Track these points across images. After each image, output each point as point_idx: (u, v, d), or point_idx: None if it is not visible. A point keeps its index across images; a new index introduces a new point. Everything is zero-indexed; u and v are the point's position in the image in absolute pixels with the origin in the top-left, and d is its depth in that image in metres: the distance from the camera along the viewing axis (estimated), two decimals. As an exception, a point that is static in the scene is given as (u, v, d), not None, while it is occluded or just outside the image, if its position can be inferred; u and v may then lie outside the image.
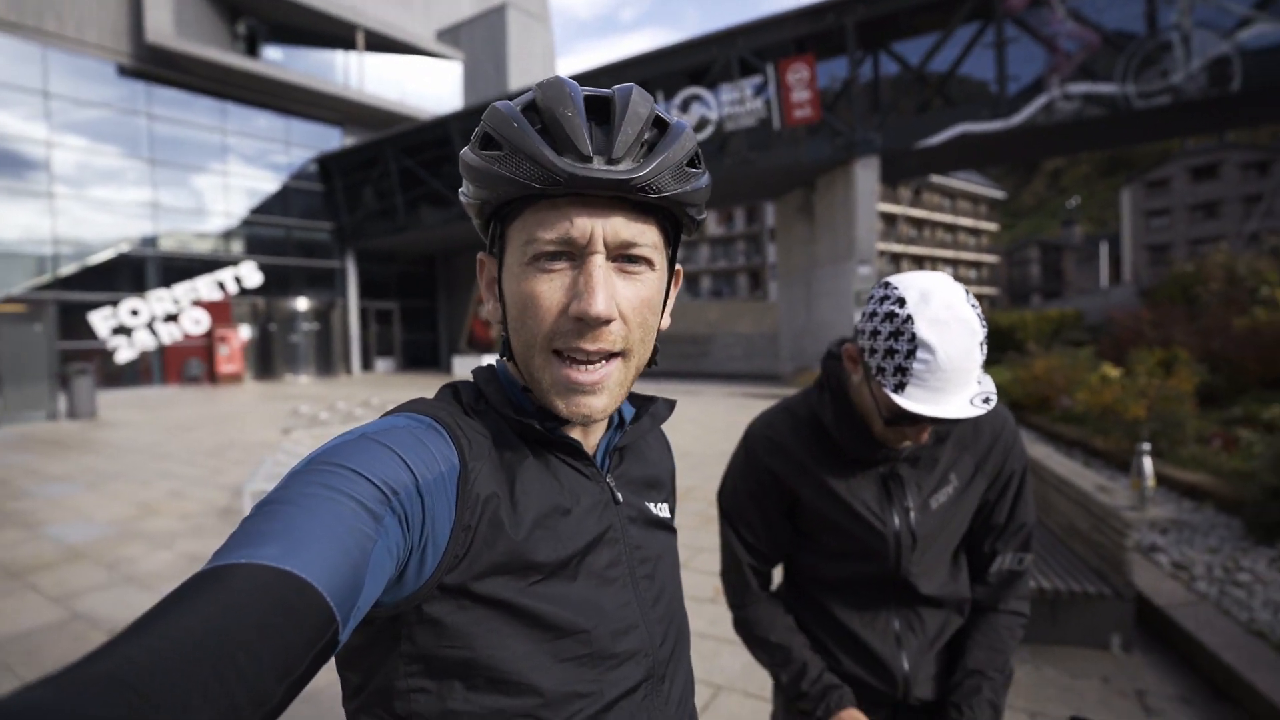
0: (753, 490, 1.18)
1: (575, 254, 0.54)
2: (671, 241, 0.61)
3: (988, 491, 1.13)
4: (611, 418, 0.67)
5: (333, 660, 0.55)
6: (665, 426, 0.76)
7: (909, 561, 1.10)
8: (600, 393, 0.56)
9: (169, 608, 0.35)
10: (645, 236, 0.56)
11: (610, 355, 0.56)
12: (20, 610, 3.49)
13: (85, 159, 17.49)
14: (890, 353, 0.93)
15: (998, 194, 59.16)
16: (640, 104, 0.54)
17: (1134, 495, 4.71)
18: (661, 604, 0.64)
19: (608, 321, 0.54)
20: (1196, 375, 7.08)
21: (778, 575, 1.28)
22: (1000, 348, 12.75)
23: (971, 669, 1.10)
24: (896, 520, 1.09)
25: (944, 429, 1.10)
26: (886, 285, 0.97)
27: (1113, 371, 7.15)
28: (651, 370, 0.62)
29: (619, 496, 0.63)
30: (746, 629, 1.19)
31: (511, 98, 0.60)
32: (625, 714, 0.57)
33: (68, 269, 16.96)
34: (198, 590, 0.36)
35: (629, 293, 0.56)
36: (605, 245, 0.54)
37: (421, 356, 24.65)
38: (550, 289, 0.54)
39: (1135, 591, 3.00)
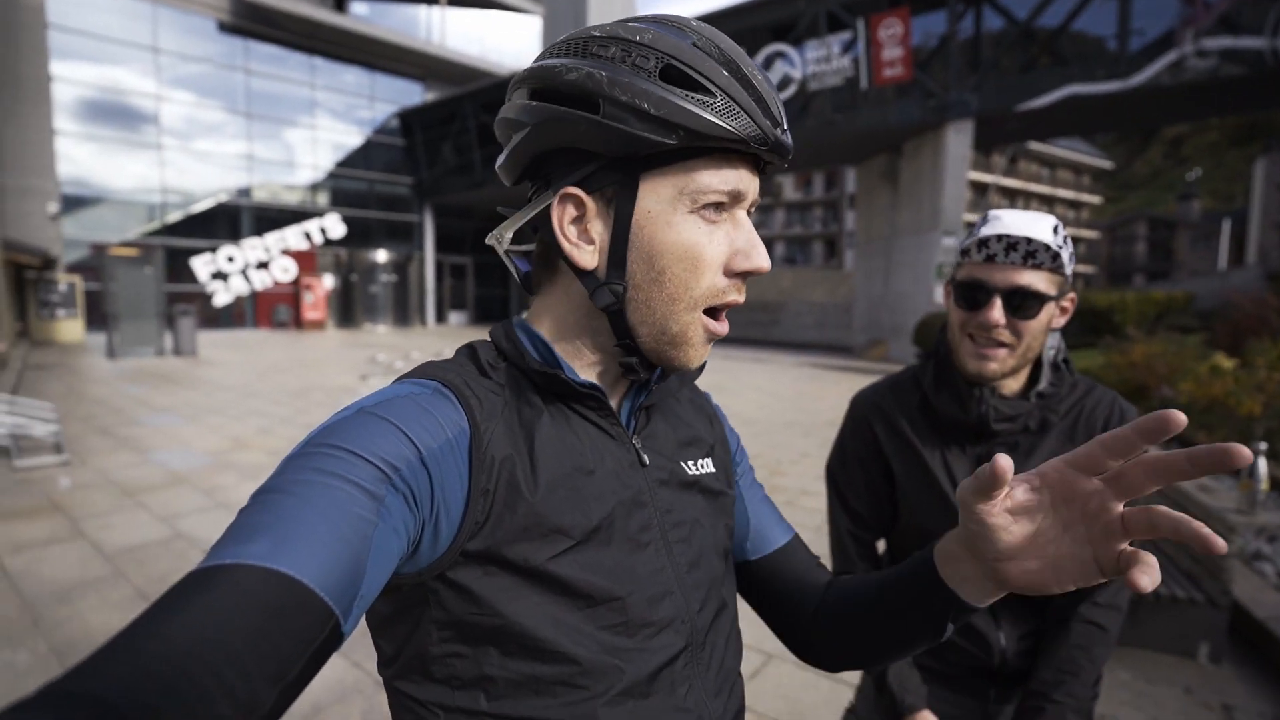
0: (858, 453, 1.18)
1: (728, 207, 0.55)
2: None
3: None
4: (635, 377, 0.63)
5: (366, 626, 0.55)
6: (729, 393, 0.71)
7: None
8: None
9: (156, 617, 0.35)
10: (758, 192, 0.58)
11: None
12: (132, 526, 3.86)
13: (190, 112, 18.59)
14: (968, 237, 1.03)
15: (1105, 163, 54.54)
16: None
17: (1242, 497, 4.33)
18: (700, 569, 0.61)
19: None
20: (1325, 371, 6.38)
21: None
22: (1094, 331, 11.86)
23: (1033, 689, 1.01)
24: None
25: (1048, 404, 1.05)
26: None
27: (1226, 362, 6.53)
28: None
29: (645, 458, 0.60)
30: None
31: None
32: (666, 683, 0.55)
33: (174, 216, 18.25)
34: (183, 599, 0.36)
35: None
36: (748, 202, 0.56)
37: (492, 311, 25.31)
38: (713, 241, 0.54)
39: (1232, 600, 2.77)
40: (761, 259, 0.55)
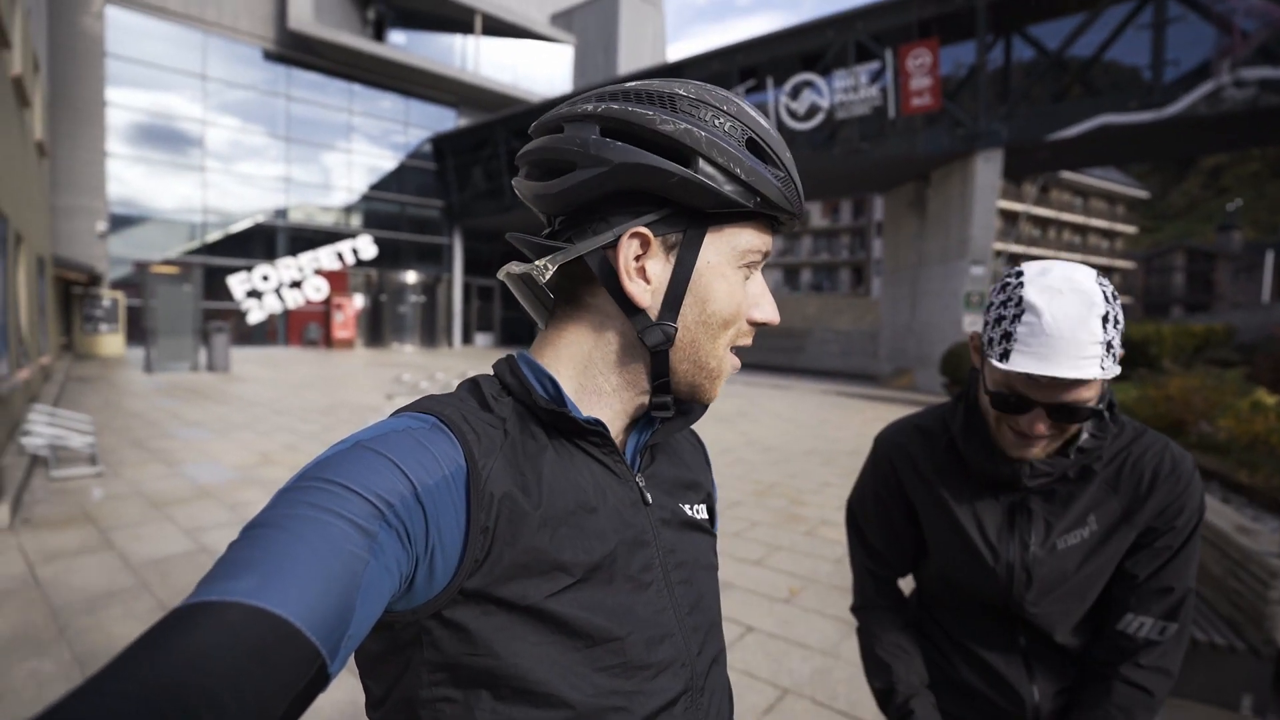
0: (878, 493, 1.14)
1: (757, 263, 0.61)
2: None
3: (1138, 540, 0.97)
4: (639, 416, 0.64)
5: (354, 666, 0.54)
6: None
7: (1026, 601, 0.98)
8: None
9: (134, 657, 0.34)
10: None
11: None
12: (159, 538, 3.93)
13: (234, 136, 19.33)
14: (999, 320, 0.89)
15: (1140, 193, 53.59)
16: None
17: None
18: (699, 612, 0.60)
19: None
20: (1375, 410, 6.11)
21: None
22: (1130, 363, 11.56)
23: None
24: (1011, 554, 0.98)
25: (1088, 457, 0.96)
26: (1015, 268, 0.92)
27: (1269, 398, 6.31)
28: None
29: (649, 497, 0.60)
30: (859, 634, 1.18)
31: (621, 80, 0.58)
32: None
33: (213, 236, 18.88)
34: (164, 638, 0.35)
35: None
36: None
37: (519, 334, 25.56)
38: (746, 293, 0.60)
39: (1277, 650, 2.63)
40: (773, 312, 0.62)
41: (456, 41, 24.72)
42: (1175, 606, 0.96)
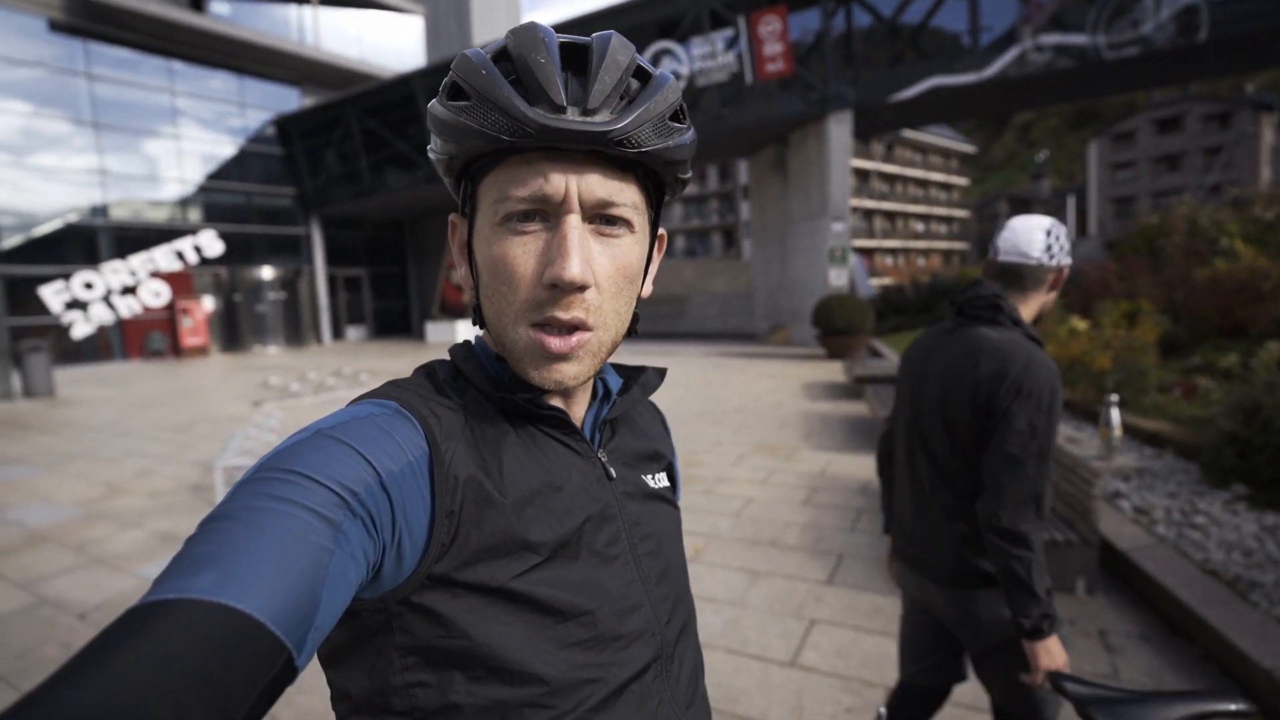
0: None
1: (549, 214, 0.51)
2: (654, 203, 0.58)
3: None
4: (598, 389, 0.64)
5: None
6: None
7: None
8: (574, 359, 0.54)
9: (89, 660, 0.32)
10: (624, 195, 0.52)
11: (583, 327, 0.53)
12: (-15, 596, 3.40)
13: (21, 123, 16.54)
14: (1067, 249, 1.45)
15: (968, 148, 59.24)
16: (620, 52, 0.51)
17: (1101, 445, 4.85)
18: (666, 581, 0.61)
19: (583, 288, 0.51)
20: (1159, 326, 7.25)
21: None
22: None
23: None
24: None
25: None
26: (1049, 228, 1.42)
27: (1080, 324, 7.29)
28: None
29: (612, 472, 0.60)
30: (1036, 541, 1.27)
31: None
32: (635, 697, 0.55)
33: (12, 241, 16.20)
34: (121, 639, 0.33)
35: (605, 258, 0.53)
36: (581, 204, 0.51)
37: (393, 323, 24.25)
38: (524, 253, 0.51)
39: (1100, 538, 3.10)
40: (563, 269, 0.49)
41: (292, 12, 22.50)
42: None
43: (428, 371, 0.59)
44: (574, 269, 0.49)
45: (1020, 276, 1.43)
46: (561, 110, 0.48)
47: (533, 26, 0.50)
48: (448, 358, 0.60)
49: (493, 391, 0.55)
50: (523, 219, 0.51)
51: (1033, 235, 1.41)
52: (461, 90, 0.51)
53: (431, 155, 0.56)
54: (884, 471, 1.76)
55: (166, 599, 0.35)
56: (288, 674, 0.38)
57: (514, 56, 0.49)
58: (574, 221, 0.51)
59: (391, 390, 0.54)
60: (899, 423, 1.61)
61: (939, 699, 1.61)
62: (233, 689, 0.34)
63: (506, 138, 0.49)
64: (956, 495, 1.42)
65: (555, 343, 0.52)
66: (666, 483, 0.68)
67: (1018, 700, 1.37)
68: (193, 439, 7.19)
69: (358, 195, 19.66)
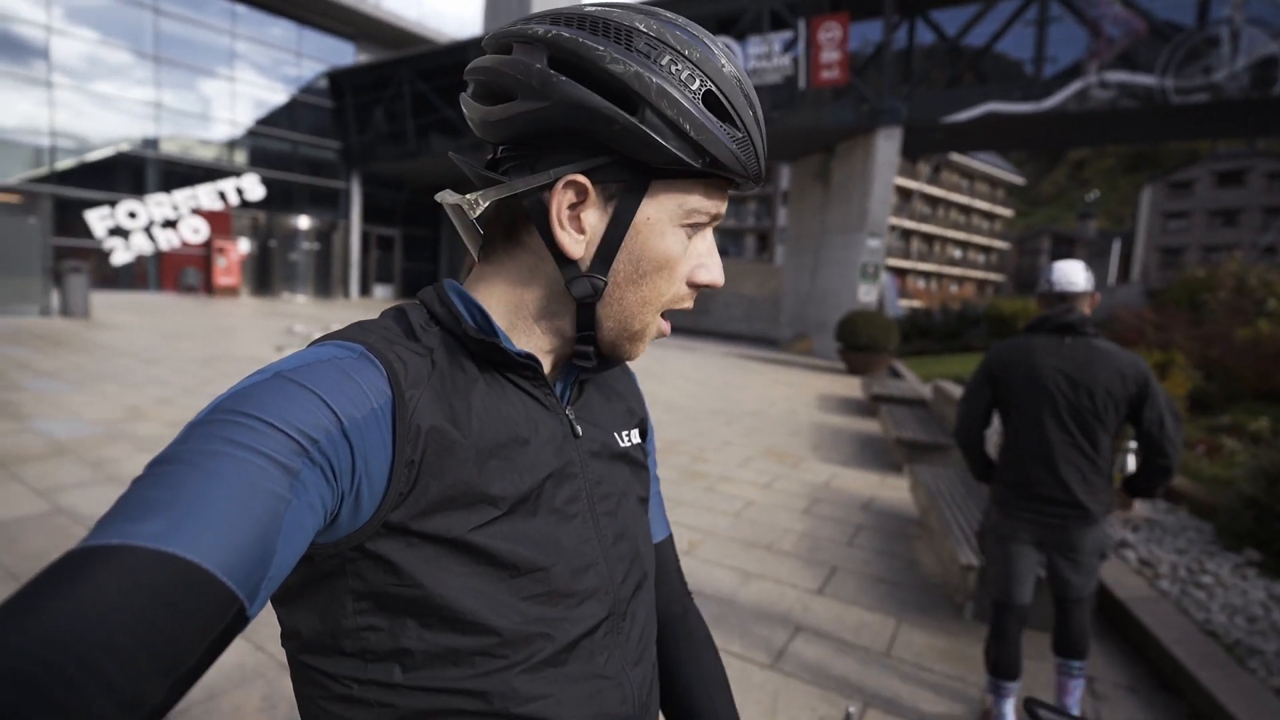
0: None
1: (705, 224, 0.59)
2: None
3: None
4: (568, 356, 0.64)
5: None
6: (657, 379, 0.73)
7: None
8: None
9: (21, 606, 0.32)
10: None
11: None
12: (5, 499, 3.53)
13: (87, 49, 16.93)
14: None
15: (1017, 179, 58.13)
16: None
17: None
18: (625, 541, 0.62)
19: None
20: (1191, 380, 7.09)
21: None
22: (1001, 335, 12.74)
23: None
24: None
25: None
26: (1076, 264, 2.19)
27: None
28: None
29: (578, 430, 0.60)
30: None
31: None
32: (585, 653, 0.56)
33: (65, 163, 16.62)
34: (57, 584, 0.33)
35: None
36: None
37: (420, 285, 23.58)
38: (686, 254, 0.57)
39: (1099, 583, 3.05)
40: (719, 274, 0.59)
41: (356, -33, 22.66)
42: None
43: (398, 313, 0.57)
44: (722, 274, 0.60)
45: (1076, 299, 2.14)
46: (764, 161, 0.57)
47: (736, 75, 0.54)
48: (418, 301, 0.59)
49: (472, 335, 0.54)
50: (694, 226, 0.57)
51: (1077, 270, 2.17)
52: (729, 116, 0.53)
53: (648, 130, 0.50)
54: (978, 446, 2.34)
55: (110, 544, 0.34)
56: (239, 623, 0.37)
57: (749, 101, 0.54)
58: (712, 237, 0.60)
59: (357, 332, 0.52)
60: (1033, 408, 2.13)
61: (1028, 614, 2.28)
62: (180, 639, 0.34)
63: (743, 176, 0.55)
64: (1097, 455, 2.07)
65: (668, 327, 0.61)
66: (639, 439, 0.68)
67: (1093, 578, 2.14)
68: (214, 374, 7.35)
69: (401, 156, 19.82)
